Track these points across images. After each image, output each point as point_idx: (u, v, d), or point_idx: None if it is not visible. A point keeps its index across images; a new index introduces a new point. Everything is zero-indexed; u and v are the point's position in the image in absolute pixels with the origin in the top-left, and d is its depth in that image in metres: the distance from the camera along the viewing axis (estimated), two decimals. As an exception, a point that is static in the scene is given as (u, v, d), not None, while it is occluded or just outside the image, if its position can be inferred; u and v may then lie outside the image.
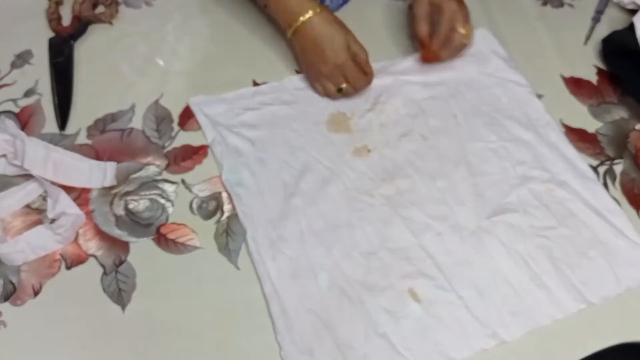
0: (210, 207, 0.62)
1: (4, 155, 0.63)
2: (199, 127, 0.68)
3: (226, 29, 0.78)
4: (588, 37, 0.80)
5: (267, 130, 0.68)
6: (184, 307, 0.56)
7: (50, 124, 0.68)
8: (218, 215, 0.62)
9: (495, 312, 0.56)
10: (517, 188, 0.64)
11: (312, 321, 0.55)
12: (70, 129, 0.67)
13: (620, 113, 0.73)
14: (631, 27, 0.73)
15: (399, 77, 0.72)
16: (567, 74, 0.76)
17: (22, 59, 0.74)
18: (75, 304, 0.56)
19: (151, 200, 0.63)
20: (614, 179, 0.67)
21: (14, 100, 0.69)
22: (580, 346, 0.55)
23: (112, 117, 0.68)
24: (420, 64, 0.73)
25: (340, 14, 0.79)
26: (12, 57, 0.74)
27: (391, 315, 0.56)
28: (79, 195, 0.62)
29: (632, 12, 0.79)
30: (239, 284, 0.57)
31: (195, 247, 0.60)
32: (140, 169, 0.65)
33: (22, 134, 0.64)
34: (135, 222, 0.61)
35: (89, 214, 0.61)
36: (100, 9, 0.79)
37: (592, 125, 0.71)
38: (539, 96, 0.73)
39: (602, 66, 0.77)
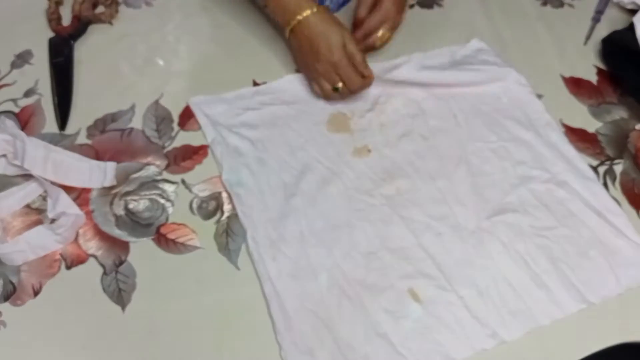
0: (210, 207, 0.62)
1: (4, 155, 0.63)
2: (199, 127, 0.68)
3: (226, 29, 0.78)
4: (588, 37, 0.80)
5: (267, 130, 0.68)
6: (184, 307, 0.56)
7: (50, 124, 0.68)
8: (218, 215, 0.62)
9: (495, 312, 0.56)
10: (517, 188, 0.64)
11: (312, 321, 0.55)
12: (70, 129, 0.68)
13: (620, 113, 0.73)
14: (631, 27, 0.73)
15: (398, 76, 0.72)
16: (567, 74, 0.76)
17: (22, 59, 0.74)
18: (75, 304, 0.56)
19: (151, 200, 0.63)
20: (614, 179, 0.67)
21: (14, 100, 0.70)
22: (580, 346, 0.55)
23: (112, 117, 0.69)
24: (420, 65, 0.73)
25: (341, 14, 0.80)
26: (12, 57, 0.74)
27: (391, 315, 0.56)
28: (79, 195, 0.62)
29: (632, 12, 0.79)
30: (239, 284, 0.57)
31: (195, 247, 0.60)
32: (140, 169, 0.65)
33: (22, 134, 0.64)
34: (135, 222, 0.61)
35: (89, 214, 0.61)
36: (100, 9, 0.79)
37: (592, 125, 0.71)
38: (539, 96, 0.73)
39: (602, 66, 0.77)
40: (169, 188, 0.63)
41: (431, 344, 0.54)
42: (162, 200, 0.63)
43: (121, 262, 0.58)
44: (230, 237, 0.60)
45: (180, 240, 0.60)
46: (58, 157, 0.63)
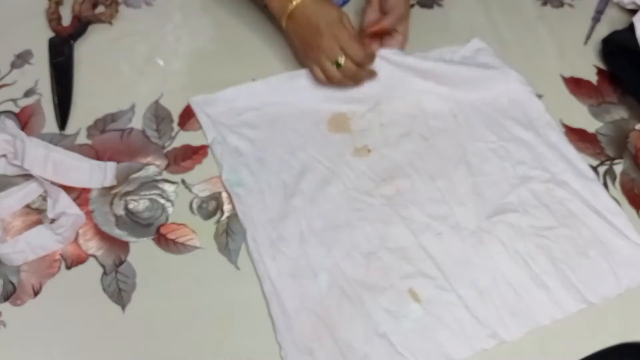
0: (210, 207, 0.62)
1: (4, 155, 0.63)
2: (199, 127, 0.68)
3: (226, 29, 0.78)
4: (588, 37, 0.80)
5: (267, 130, 0.68)
6: (184, 307, 0.56)
7: (50, 124, 0.68)
8: (218, 215, 0.62)
9: (495, 312, 0.56)
10: (517, 188, 0.64)
11: (312, 321, 0.55)
12: (70, 129, 0.68)
13: (620, 113, 0.73)
14: (631, 27, 0.73)
15: (398, 72, 0.72)
16: (567, 74, 0.76)
17: (22, 59, 0.74)
18: (75, 304, 0.56)
19: (151, 200, 0.63)
20: (614, 179, 0.67)
21: (14, 100, 0.70)
22: (580, 346, 0.55)
23: (112, 117, 0.69)
24: (420, 63, 0.73)
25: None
26: (12, 57, 0.74)
27: (391, 315, 0.56)
28: (79, 195, 0.62)
29: (632, 12, 0.79)
30: (239, 284, 0.57)
31: (195, 247, 0.60)
32: (140, 169, 0.65)
33: (22, 134, 0.64)
34: (135, 222, 0.61)
35: (89, 214, 0.61)
36: (100, 9, 0.79)
37: (592, 125, 0.71)
38: (539, 96, 0.73)
39: (602, 66, 0.77)
40: (169, 188, 0.63)
41: (431, 344, 0.54)
42: (162, 200, 0.63)
43: (121, 262, 0.58)
44: (230, 237, 0.60)
45: (180, 240, 0.60)
46: (58, 157, 0.63)
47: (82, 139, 0.67)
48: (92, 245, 0.59)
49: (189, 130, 0.68)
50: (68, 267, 0.58)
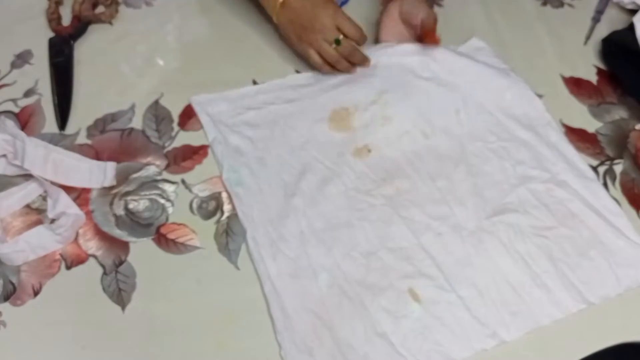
0: (210, 207, 0.62)
1: (4, 155, 0.63)
2: (199, 127, 0.68)
3: (226, 29, 0.78)
4: (588, 37, 0.80)
5: (268, 130, 0.67)
6: (184, 307, 0.56)
7: (50, 124, 0.68)
8: (218, 215, 0.62)
9: (495, 312, 0.56)
10: (517, 188, 0.64)
11: (312, 321, 0.55)
12: (70, 129, 0.68)
13: (620, 113, 0.73)
14: (631, 27, 0.73)
15: (400, 61, 0.71)
16: (567, 74, 0.76)
17: (22, 59, 0.74)
18: (75, 304, 0.56)
19: (151, 200, 0.63)
20: (614, 179, 0.67)
21: (14, 100, 0.69)
22: (580, 346, 0.55)
23: (112, 117, 0.68)
24: (423, 53, 0.73)
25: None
26: (12, 57, 0.74)
27: (391, 315, 0.56)
28: (79, 195, 0.62)
29: (632, 12, 0.79)
30: (239, 284, 0.57)
31: (195, 247, 0.60)
32: (140, 169, 0.65)
33: (22, 134, 0.64)
34: (135, 222, 0.61)
35: (89, 214, 0.61)
36: (100, 9, 0.79)
37: (592, 125, 0.71)
38: (539, 96, 0.73)
39: (602, 66, 0.77)
40: (169, 188, 0.63)
41: (431, 344, 0.54)
42: (162, 200, 0.63)
43: (121, 262, 0.58)
44: (230, 237, 0.60)
45: (180, 240, 0.60)
46: (58, 157, 0.63)
47: (82, 139, 0.67)
48: (92, 245, 0.59)
49: (189, 130, 0.68)
50: (68, 267, 0.58)
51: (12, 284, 0.57)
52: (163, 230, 0.60)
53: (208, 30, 0.79)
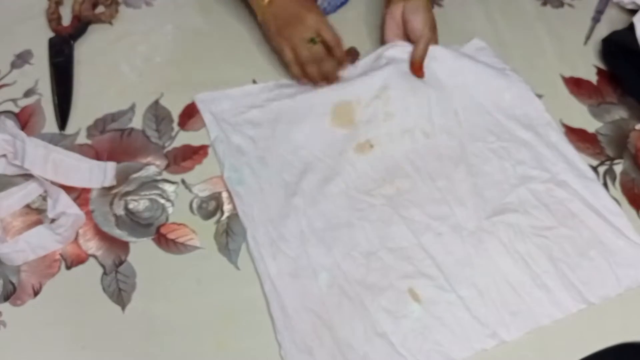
0: (210, 207, 0.62)
1: (4, 155, 0.63)
2: (199, 127, 0.68)
3: (226, 29, 0.78)
4: (588, 37, 0.80)
5: (270, 129, 0.67)
6: (184, 307, 0.56)
7: (50, 124, 0.68)
8: (218, 215, 0.62)
9: (495, 312, 0.56)
10: (517, 188, 0.64)
11: (312, 320, 0.55)
12: (70, 129, 0.68)
13: (620, 113, 0.73)
14: (631, 27, 0.73)
15: (403, 59, 0.71)
16: (567, 74, 0.76)
17: (22, 59, 0.74)
18: (75, 304, 0.56)
19: (151, 200, 0.63)
20: (614, 179, 0.67)
21: (14, 100, 0.70)
22: (580, 346, 0.55)
23: (112, 117, 0.69)
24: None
25: (339, 14, 0.80)
26: (12, 57, 0.74)
27: (391, 315, 0.56)
28: (79, 195, 0.62)
29: (632, 12, 0.79)
30: (239, 284, 0.57)
31: (195, 247, 0.60)
32: (140, 169, 0.65)
33: (22, 134, 0.64)
34: (135, 222, 0.61)
35: (89, 214, 0.61)
36: (100, 9, 0.79)
37: (592, 125, 0.71)
38: (539, 96, 0.73)
39: (602, 66, 0.77)
40: (169, 188, 0.63)
41: (431, 344, 0.54)
42: (162, 200, 0.63)
43: (121, 262, 0.58)
44: (230, 237, 0.60)
45: (180, 240, 0.60)
46: (58, 157, 0.63)
47: (82, 139, 0.67)
48: (92, 245, 0.59)
49: (189, 130, 0.68)
50: (68, 267, 0.58)
51: (12, 284, 0.57)
52: (163, 230, 0.60)
53: (208, 30, 0.79)
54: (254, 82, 0.72)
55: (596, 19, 0.82)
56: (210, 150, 0.66)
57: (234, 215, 0.61)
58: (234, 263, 0.59)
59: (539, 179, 0.65)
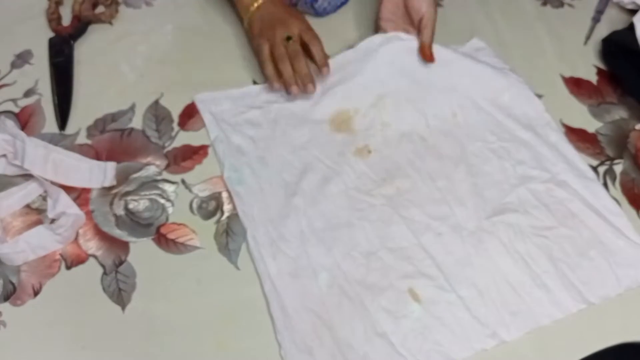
0: (210, 207, 0.62)
1: (4, 155, 0.63)
2: (199, 127, 0.68)
3: (227, 29, 0.78)
4: (588, 37, 0.80)
5: (269, 129, 0.68)
6: (184, 307, 0.56)
7: (50, 124, 0.68)
8: (218, 215, 0.62)
9: (495, 312, 0.56)
10: (517, 188, 0.64)
11: (312, 320, 0.55)
12: (70, 129, 0.68)
13: (620, 113, 0.73)
14: (631, 27, 0.73)
15: (400, 60, 0.71)
16: (567, 74, 0.76)
17: (22, 59, 0.74)
18: (75, 304, 0.56)
19: (151, 200, 0.63)
20: (614, 179, 0.67)
21: (14, 100, 0.70)
22: (580, 346, 0.55)
23: (112, 117, 0.69)
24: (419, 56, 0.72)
25: (339, 15, 0.80)
26: (12, 57, 0.74)
27: (391, 315, 0.56)
28: (79, 195, 0.62)
29: (632, 12, 0.79)
30: (239, 284, 0.57)
31: (195, 247, 0.60)
32: (140, 169, 0.65)
33: (22, 134, 0.64)
34: (135, 222, 0.61)
35: (89, 214, 0.61)
36: (100, 9, 0.79)
37: (592, 125, 0.71)
38: (539, 96, 0.73)
39: (602, 66, 0.77)
40: (169, 188, 0.63)
41: (431, 344, 0.54)
42: (162, 200, 0.63)
43: (121, 262, 0.58)
44: (230, 237, 0.60)
45: (180, 240, 0.60)
46: (58, 157, 0.63)
47: (82, 139, 0.67)
48: (92, 245, 0.59)
49: (189, 130, 0.68)
50: (68, 267, 0.58)
51: (12, 284, 0.57)
52: (163, 230, 0.60)
53: (208, 30, 0.79)
54: (254, 82, 0.73)
55: (596, 19, 0.82)
56: (210, 150, 0.66)
57: (234, 215, 0.61)
58: (234, 263, 0.59)
59: (539, 179, 0.65)
